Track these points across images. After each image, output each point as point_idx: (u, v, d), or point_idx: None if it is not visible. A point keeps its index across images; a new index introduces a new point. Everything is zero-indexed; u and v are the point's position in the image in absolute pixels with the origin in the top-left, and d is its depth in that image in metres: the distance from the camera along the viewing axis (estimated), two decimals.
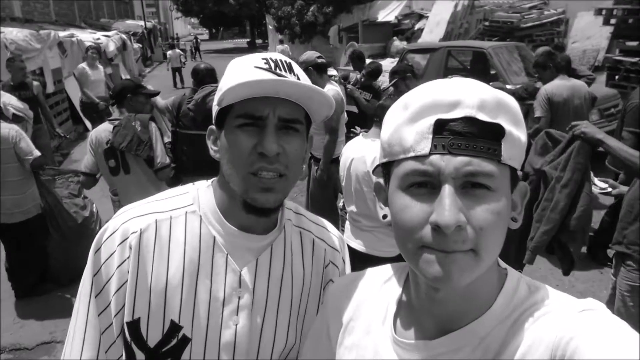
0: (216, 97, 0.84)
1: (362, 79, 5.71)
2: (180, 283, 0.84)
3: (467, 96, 0.58)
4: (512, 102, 0.61)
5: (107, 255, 0.84)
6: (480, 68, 7.40)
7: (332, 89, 3.85)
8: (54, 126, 6.38)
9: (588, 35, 9.43)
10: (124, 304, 0.83)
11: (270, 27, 24.31)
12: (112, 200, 3.41)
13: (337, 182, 3.26)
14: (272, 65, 0.83)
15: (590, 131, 2.10)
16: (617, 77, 7.64)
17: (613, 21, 8.15)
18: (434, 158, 0.57)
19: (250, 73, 0.80)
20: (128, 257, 0.83)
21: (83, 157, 3.38)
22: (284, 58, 0.86)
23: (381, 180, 0.71)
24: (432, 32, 12.15)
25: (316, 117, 0.89)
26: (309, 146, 0.93)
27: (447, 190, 0.56)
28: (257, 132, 0.81)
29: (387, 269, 0.82)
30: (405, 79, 4.79)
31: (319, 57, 3.97)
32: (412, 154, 0.59)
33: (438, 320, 0.66)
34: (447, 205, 0.54)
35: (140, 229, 0.84)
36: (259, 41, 39.43)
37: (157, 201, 0.91)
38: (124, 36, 16.00)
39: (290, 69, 0.85)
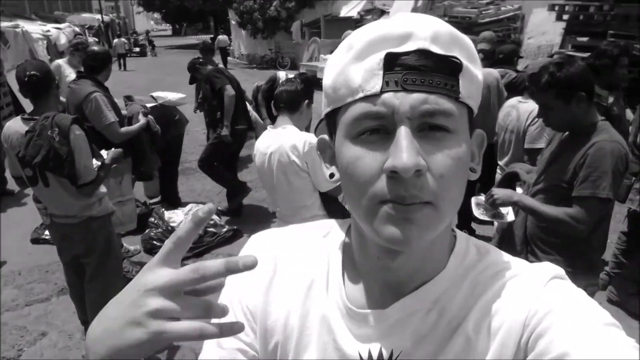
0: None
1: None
2: None
3: (418, 28, 0.51)
4: (467, 39, 0.55)
5: None
6: None
7: None
8: None
9: (543, 31, 9.61)
10: None
11: (233, 22, 23.91)
12: (38, 208, 2.87)
13: None
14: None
15: (503, 199, 2.11)
16: None
17: (566, 17, 8.31)
18: (387, 96, 0.50)
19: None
20: None
21: None
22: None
23: (325, 137, 0.63)
24: None
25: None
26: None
27: (403, 131, 0.49)
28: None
29: (323, 224, 0.72)
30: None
31: None
32: (361, 95, 0.52)
33: (388, 285, 0.60)
34: (404, 148, 0.48)
35: None
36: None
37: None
38: (77, 29, 15.34)
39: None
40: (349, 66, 0.54)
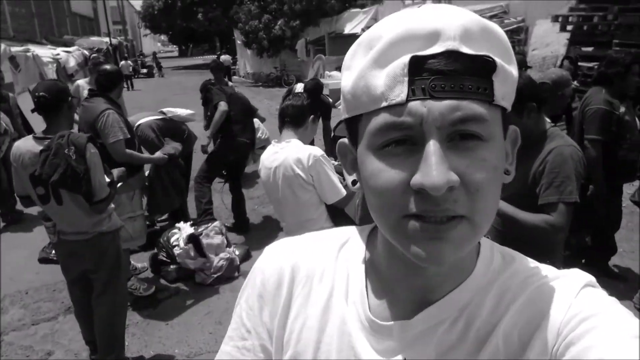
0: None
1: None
2: None
3: (447, 24, 0.46)
4: (500, 31, 0.50)
5: None
6: None
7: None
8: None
9: (547, 42, 9.62)
10: None
11: (238, 42, 24.23)
12: (45, 227, 2.89)
13: None
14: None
15: None
16: (575, 81, 7.78)
17: (569, 28, 8.33)
18: (414, 105, 0.45)
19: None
20: None
21: None
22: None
23: (346, 141, 0.59)
24: None
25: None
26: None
27: (432, 145, 0.45)
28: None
29: (341, 232, 0.68)
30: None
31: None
32: (384, 104, 0.47)
33: (416, 291, 0.57)
34: (434, 164, 0.44)
35: None
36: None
37: None
38: (85, 52, 15.62)
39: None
40: (370, 70, 0.49)
